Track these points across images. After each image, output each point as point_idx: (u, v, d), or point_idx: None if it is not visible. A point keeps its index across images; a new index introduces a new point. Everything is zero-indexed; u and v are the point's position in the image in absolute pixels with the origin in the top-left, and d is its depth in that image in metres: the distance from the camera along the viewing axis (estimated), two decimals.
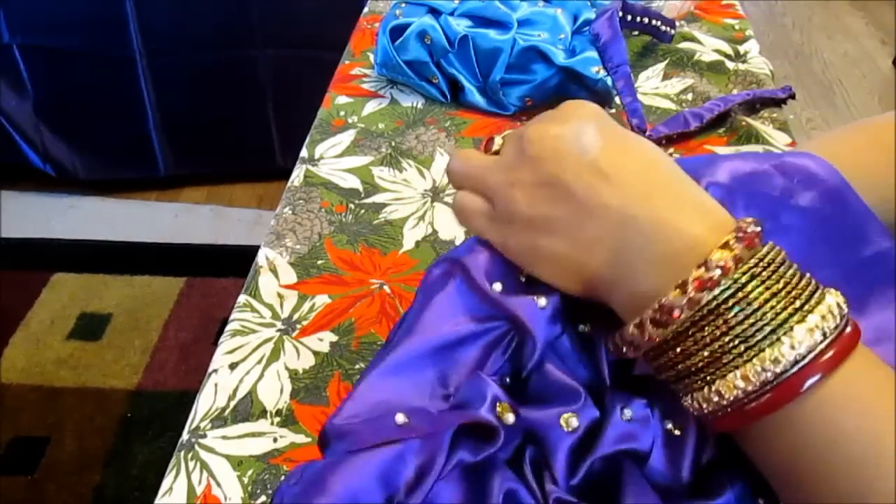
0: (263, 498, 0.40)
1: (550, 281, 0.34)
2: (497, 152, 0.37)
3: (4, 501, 1.17)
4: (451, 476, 0.33)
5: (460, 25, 0.67)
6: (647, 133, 0.64)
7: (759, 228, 0.30)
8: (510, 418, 0.33)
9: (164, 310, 1.46)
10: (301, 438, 0.43)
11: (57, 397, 1.30)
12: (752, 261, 0.29)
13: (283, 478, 0.41)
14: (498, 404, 0.33)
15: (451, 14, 0.68)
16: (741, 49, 0.81)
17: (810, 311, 0.28)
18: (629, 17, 0.71)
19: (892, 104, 2.09)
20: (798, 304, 0.28)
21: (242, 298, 0.52)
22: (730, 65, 0.78)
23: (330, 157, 0.65)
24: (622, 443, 0.34)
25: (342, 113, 0.70)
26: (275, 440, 0.43)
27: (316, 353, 0.48)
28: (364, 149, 0.66)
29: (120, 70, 1.56)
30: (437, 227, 0.57)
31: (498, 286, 0.35)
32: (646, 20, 0.75)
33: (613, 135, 0.33)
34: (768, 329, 0.28)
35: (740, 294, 0.28)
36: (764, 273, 0.29)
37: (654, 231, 0.31)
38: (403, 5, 0.70)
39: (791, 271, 0.29)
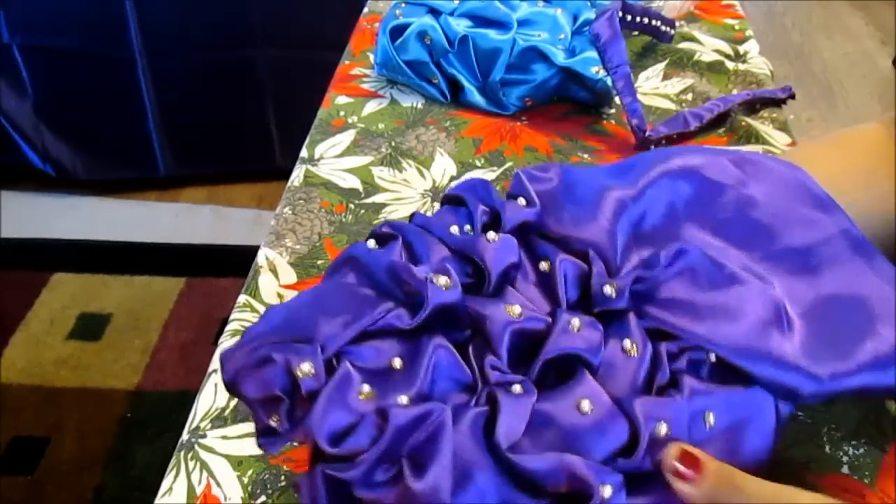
0: (263, 498, 0.40)
1: None
2: None
3: (4, 501, 1.17)
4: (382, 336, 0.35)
5: (460, 25, 0.67)
6: (647, 133, 0.64)
7: None
8: (450, 284, 0.35)
9: (164, 310, 1.46)
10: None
11: (57, 397, 1.30)
12: None
13: (282, 478, 0.41)
14: (434, 276, 0.35)
15: (451, 14, 0.68)
16: (741, 49, 0.81)
17: None
18: (629, 18, 0.71)
19: (892, 104, 2.09)
20: None
21: (242, 298, 0.52)
22: (730, 65, 0.78)
23: (330, 157, 0.65)
24: (569, 346, 0.34)
25: (342, 113, 0.70)
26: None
27: None
28: (364, 149, 0.66)
29: (120, 70, 1.56)
30: None
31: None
32: (646, 20, 0.75)
33: None
34: None
35: None
36: None
37: None
38: (403, 5, 0.70)
39: None
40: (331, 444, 0.31)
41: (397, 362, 0.34)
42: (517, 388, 0.33)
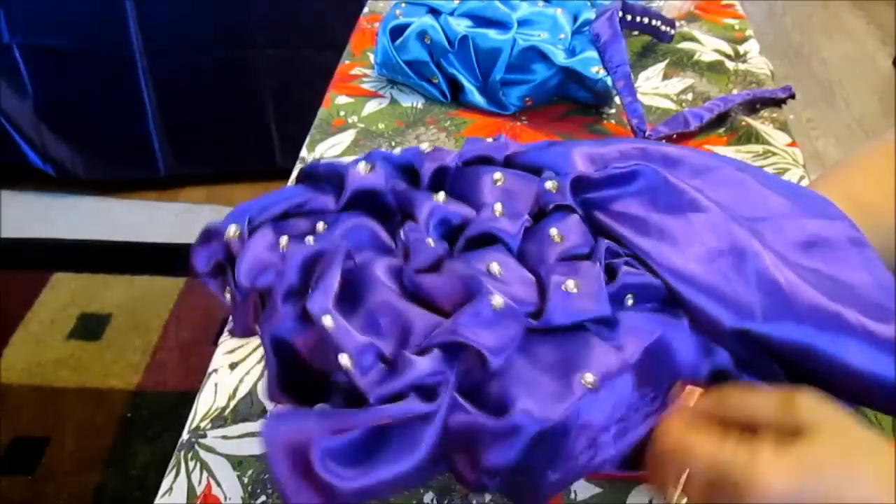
0: (263, 498, 0.40)
1: None
2: None
3: (4, 501, 1.17)
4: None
5: (460, 25, 0.67)
6: (647, 133, 0.64)
7: None
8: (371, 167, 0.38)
9: (164, 310, 1.46)
10: None
11: (57, 397, 1.30)
12: None
13: None
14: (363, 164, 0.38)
15: (451, 14, 0.68)
16: (741, 49, 0.81)
17: None
18: (629, 17, 0.71)
19: (892, 104, 2.09)
20: None
21: None
22: (730, 65, 0.78)
23: (330, 157, 0.65)
24: (489, 226, 0.36)
25: (342, 113, 0.70)
26: None
27: None
28: (364, 149, 0.66)
29: (120, 70, 1.56)
30: None
31: None
32: (646, 20, 0.75)
33: None
34: None
35: None
36: None
37: None
38: (403, 5, 0.70)
39: None
40: (249, 281, 0.35)
41: (319, 226, 0.37)
42: (431, 241, 0.36)
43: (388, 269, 0.34)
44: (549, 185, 0.38)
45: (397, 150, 0.42)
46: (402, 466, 0.30)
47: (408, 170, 0.40)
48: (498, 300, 0.31)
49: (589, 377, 0.31)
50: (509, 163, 0.41)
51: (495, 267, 0.34)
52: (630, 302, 0.35)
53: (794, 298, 0.34)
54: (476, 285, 0.32)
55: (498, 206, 0.37)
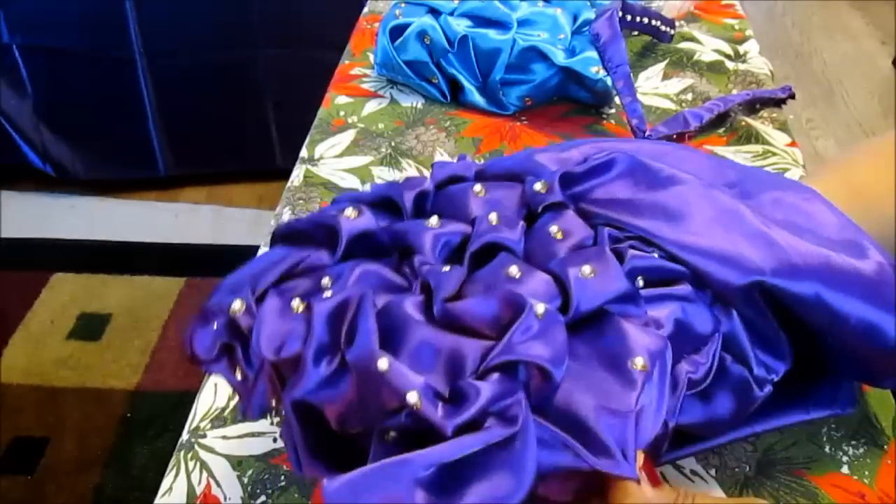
0: (263, 498, 0.40)
1: None
2: None
3: (4, 501, 1.17)
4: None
5: (460, 25, 0.67)
6: (647, 133, 0.64)
7: None
8: (359, 212, 0.37)
9: (164, 310, 1.46)
10: None
11: (57, 397, 1.30)
12: None
13: (282, 478, 0.41)
14: (350, 208, 0.37)
15: (451, 14, 0.68)
16: (741, 49, 0.81)
17: None
18: (629, 17, 0.71)
19: (892, 104, 2.09)
20: None
21: None
22: (730, 65, 0.78)
23: (330, 157, 0.65)
24: (492, 236, 0.36)
25: (342, 113, 0.70)
26: (275, 440, 0.43)
27: None
28: (364, 149, 0.66)
29: (120, 70, 1.56)
30: None
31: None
32: (646, 20, 0.75)
33: None
34: None
35: None
36: None
37: None
38: (403, 5, 0.70)
39: None
40: (272, 352, 0.32)
41: (325, 280, 0.35)
42: (447, 268, 0.35)
43: (416, 305, 0.33)
44: (538, 186, 0.38)
45: (366, 187, 0.41)
46: (516, 496, 0.28)
47: (383, 204, 0.40)
48: (540, 307, 0.31)
49: (639, 361, 0.31)
50: (479, 178, 0.42)
51: (514, 270, 0.33)
52: (641, 284, 0.35)
53: (789, 250, 0.35)
54: (521, 300, 0.31)
55: (493, 216, 0.37)
